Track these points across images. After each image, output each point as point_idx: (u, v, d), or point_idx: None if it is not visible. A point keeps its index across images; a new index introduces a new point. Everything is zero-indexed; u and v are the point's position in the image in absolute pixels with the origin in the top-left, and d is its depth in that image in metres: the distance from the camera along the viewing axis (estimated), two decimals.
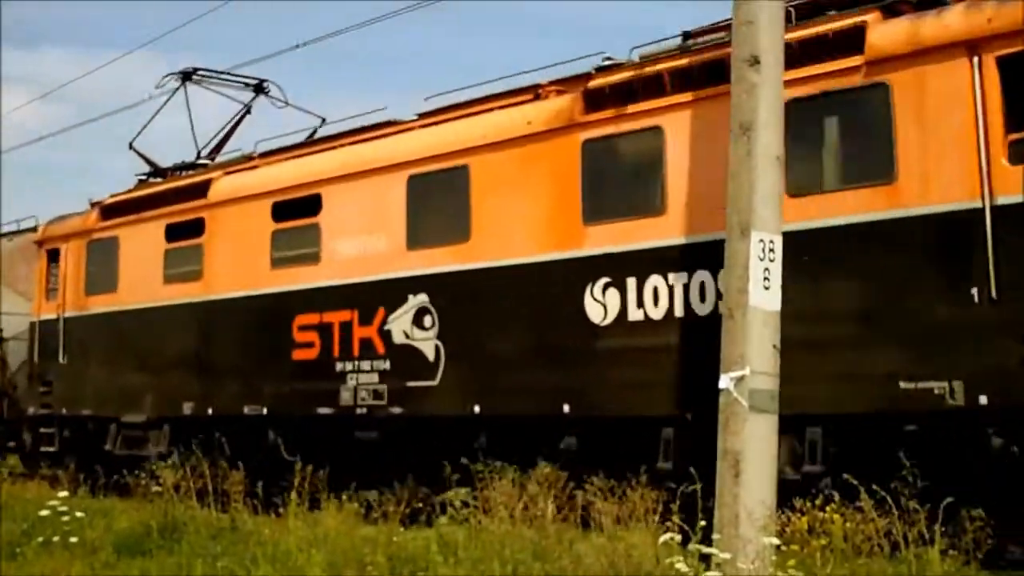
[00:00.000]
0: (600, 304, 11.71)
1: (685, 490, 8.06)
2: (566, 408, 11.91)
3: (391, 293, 13.77)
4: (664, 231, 11.26)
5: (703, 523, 7.48)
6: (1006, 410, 9.00)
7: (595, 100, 12.02)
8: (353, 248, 14.41)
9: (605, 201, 11.86)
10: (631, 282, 11.44)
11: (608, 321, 11.63)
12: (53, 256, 19.91)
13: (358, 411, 14.11)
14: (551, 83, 12.95)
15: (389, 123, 14.87)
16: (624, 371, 11.46)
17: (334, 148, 15.26)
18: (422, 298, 13.46)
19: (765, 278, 8.33)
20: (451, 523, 9.76)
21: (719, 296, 10.60)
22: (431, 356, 13.29)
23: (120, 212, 18.50)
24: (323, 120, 18.48)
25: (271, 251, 15.60)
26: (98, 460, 17.93)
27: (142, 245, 17.82)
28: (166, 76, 19.11)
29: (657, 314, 11.23)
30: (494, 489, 10.18)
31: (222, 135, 19.06)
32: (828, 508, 8.09)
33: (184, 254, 17.13)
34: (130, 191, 19.00)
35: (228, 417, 15.93)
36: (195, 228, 16.92)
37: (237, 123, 19.12)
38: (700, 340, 10.45)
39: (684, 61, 11.40)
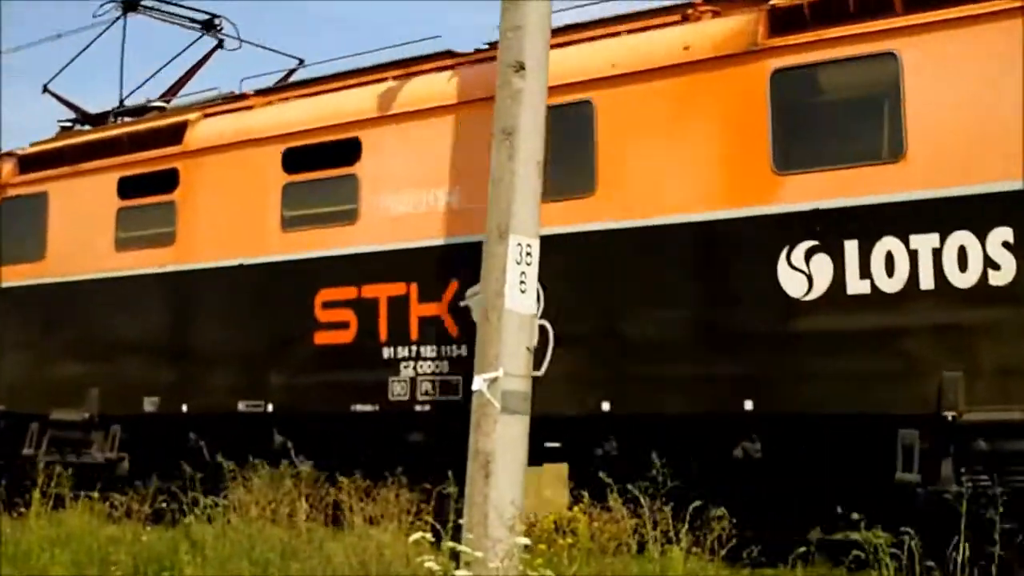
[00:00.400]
0: (802, 274, 9.27)
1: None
2: (748, 404, 9.41)
3: (471, 261, 11.00)
4: (904, 181, 8.91)
5: (456, 522, 8.17)
6: None
7: (789, 20, 9.55)
8: (409, 204, 11.49)
9: (808, 146, 9.43)
10: (850, 246, 9.04)
11: (814, 295, 9.20)
12: None
13: (417, 408, 11.22)
14: (704, 2, 10.39)
15: (450, 53, 12.04)
16: (841, 358, 9.04)
17: (379, 81, 12.27)
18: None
19: (522, 281, 8.49)
20: (199, 522, 9.50)
21: (988, 264, 8.42)
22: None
23: (48, 163, 14.87)
24: (301, 61, 15.44)
25: (282, 209, 12.50)
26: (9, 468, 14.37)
27: (83, 203, 14.30)
28: (104, 3, 15.62)
29: (893, 286, 8.87)
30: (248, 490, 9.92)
31: (177, 74, 15.74)
32: (575, 508, 8.60)
33: (147, 214, 13.78)
34: (59, 138, 15.41)
35: (212, 416, 12.75)
36: (164, 182, 13.57)
37: (205, 59, 15.84)
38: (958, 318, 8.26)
39: None
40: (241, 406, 12.48)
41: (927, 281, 8.68)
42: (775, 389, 9.29)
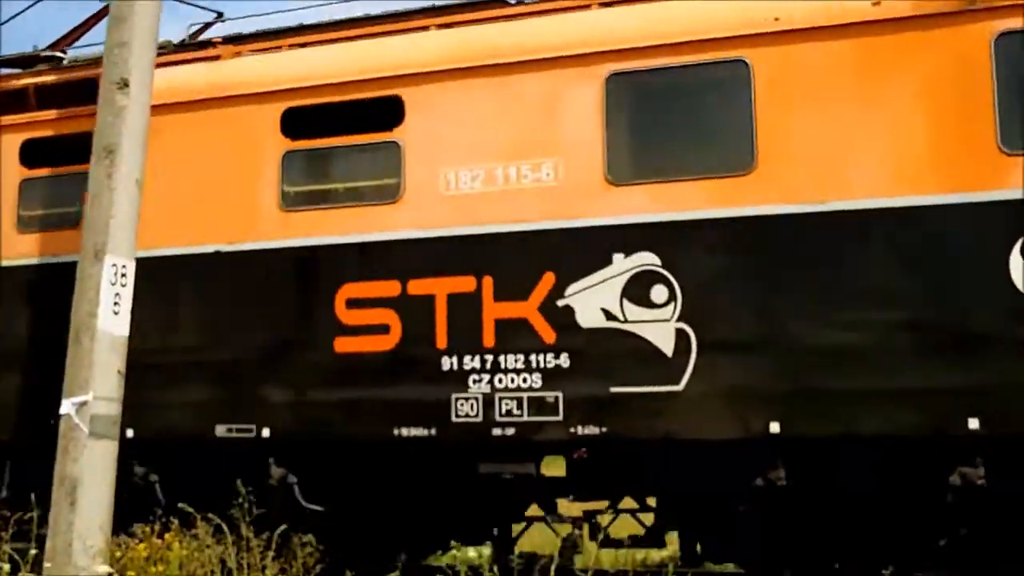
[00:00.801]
0: None
1: None
2: (973, 424, 7.85)
3: (575, 250, 8.89)
4: None
5: (35, 551, 8.14)
6: None
7: None
8: (478, 180, 9.23)
9: None
10: None
11: None
12: None
13: (495, 431, 8.94)
14: None
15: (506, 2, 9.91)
16: None
17: (418, 28, 9.92)
18: (643, 259, 8.74)
19: (115, 303, 8.23)
20: None
21: None
22: (667, 348, 8.60)
23: None
24: (219, 15, 12.68)
25: (281, 184, 9.89)
26: None
27: None
28: None
29: None
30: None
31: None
32: (166, 536, 8.67)
33: (72, 186, 10.71)
34: None
35: (169, 442, 9.89)
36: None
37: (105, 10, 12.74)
38: None
39: None
40: (220, 430, 9.71)
41: None
42: (1009, 404, 7.82)
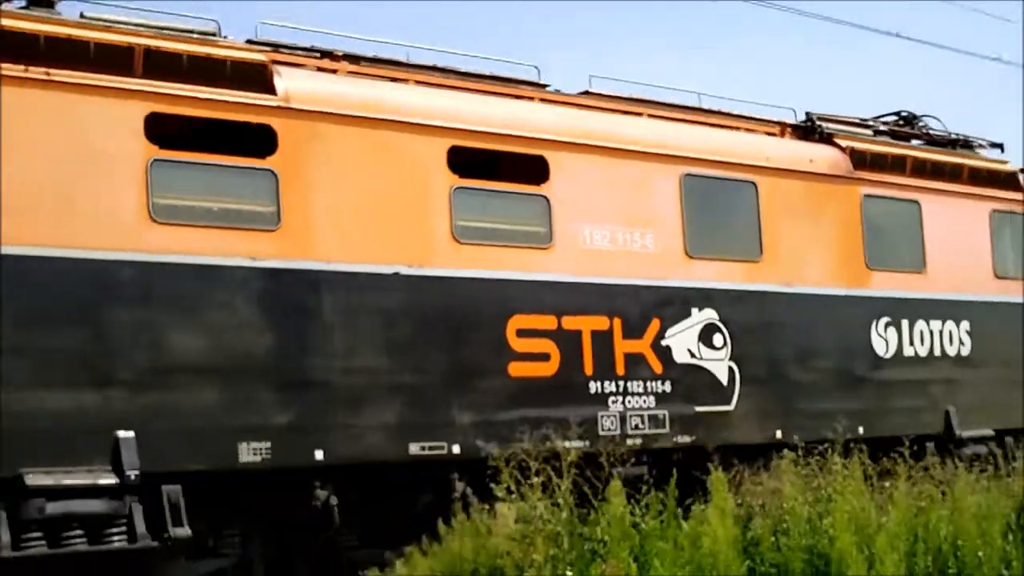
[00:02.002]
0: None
1: None
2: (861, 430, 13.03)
3: (670, 302, 11.69)
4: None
5: None
6: None
7: (864, 161, 13.63)
8: (605, 239, 11.35)
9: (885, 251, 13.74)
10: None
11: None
12: None
13: (628, 442, 11.22)
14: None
15: (654, 102, 12.19)
16: None
17: (563, 104, 11.17)
18: (708, 314, 11.99)
19: None
20: None
21: None
22: (723, 378, 12.02)
23: None
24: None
25: (452, 215, 10.42)
26: None
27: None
28: None
29: None
30: None
31: None
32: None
33: (211, 177, 9.29)
34: None
35: (358, 465, 9.71)
36: (245, 139, 9.47)
37: None
38: None
39: None
40: (414, 449, 10.00)
41: None
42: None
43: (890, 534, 8.88)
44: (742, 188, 12.63)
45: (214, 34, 10.09)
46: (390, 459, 9.98)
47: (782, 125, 13.82)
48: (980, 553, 9.12)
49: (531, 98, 11.68)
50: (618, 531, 8.49)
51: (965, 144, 15.68)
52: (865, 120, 14.81)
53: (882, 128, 14.85)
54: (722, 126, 13.07)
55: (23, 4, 9.44)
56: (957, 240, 14.55)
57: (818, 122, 13.94)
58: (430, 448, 10.18)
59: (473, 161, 10.79)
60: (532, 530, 8.53)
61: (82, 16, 9.58)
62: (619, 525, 8.53)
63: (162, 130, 9.28)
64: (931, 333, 14.14)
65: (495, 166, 11.00)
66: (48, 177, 8.78)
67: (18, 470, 8.27)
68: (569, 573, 8.19)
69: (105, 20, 9.56)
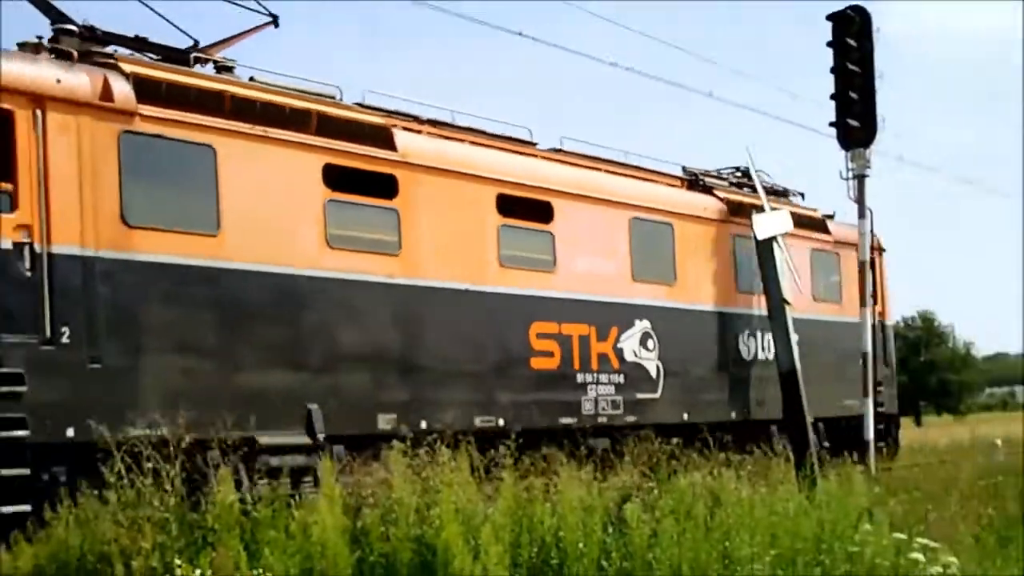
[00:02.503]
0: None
1: None
2: (733, 415, 17.36)
3: (624, 315, 15.56)
4: None
5: None
6: None
7: None
8: (586, 265, 15.08)
9: None
10: None
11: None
12: None
13: (599, 420, 14.99)
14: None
15: (613, 161, 16.49)
16: None
17: (564, 162, 14.76)
18: (645, 325, 15.93)
19: None
20: None
21: None
22: (654, 373, 16.01)
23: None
24: (196, 43, 13.51)
25: (499, 247, 13.83)
26: None
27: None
28: None
29: None
30: None
31: None
32: None
33: (361, 214, 12.35)
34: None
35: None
36: (379, 185, 12.54)
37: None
38: None
39: None
40: (477, 422, 13.35)
41: None
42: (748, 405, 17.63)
43: (496, 526, 8.97)
44: (664, 229, 16.68)
45: (333, 97, 13.13)
46: (463, 429, 13.32)
47: (681, 179, 17.99)
48: (581, 545, 9.24)
49: (535, 155, 15.30)
50: (229, 519, 8.39)
51: (784, 193, 20.40)
52: (721, 173, 19.26)
53: (732, 180, 19.33)
54: (651, 180, 17.12)
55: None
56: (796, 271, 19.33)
57: (700, 177, 18.23)
58: (484, 422, 13.60)
59: (516, 207, 14.28)
60: (141, 516, 8.29)
61: (251, 80, 12.39)
62: (228, 513, 8.41)
63: (330, 177, 12.27)
64: (770, 342, 18.73)
65: (521, 208, 14.50)
66: (254, 209, 11.63)
67: (252, 433, 11.14)
68: (178, 561, 7.99)
69: (268, 84, 12.42)
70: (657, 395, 16.22)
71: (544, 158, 15.48)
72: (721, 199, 18.11)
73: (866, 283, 19.18)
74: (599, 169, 16.29)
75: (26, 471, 9.54)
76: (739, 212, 18.24)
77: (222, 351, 11.23)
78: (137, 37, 11.66)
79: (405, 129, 13.48)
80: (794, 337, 17.51)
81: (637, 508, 9.71)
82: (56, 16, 11.38)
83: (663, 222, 16.73)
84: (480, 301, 13.78)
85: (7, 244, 9.68)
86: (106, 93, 10.49)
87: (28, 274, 9.77)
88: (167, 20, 12.21)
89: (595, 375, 15.20)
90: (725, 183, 19.08)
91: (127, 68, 10.88)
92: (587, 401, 15.06)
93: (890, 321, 23.60)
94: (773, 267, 17.35)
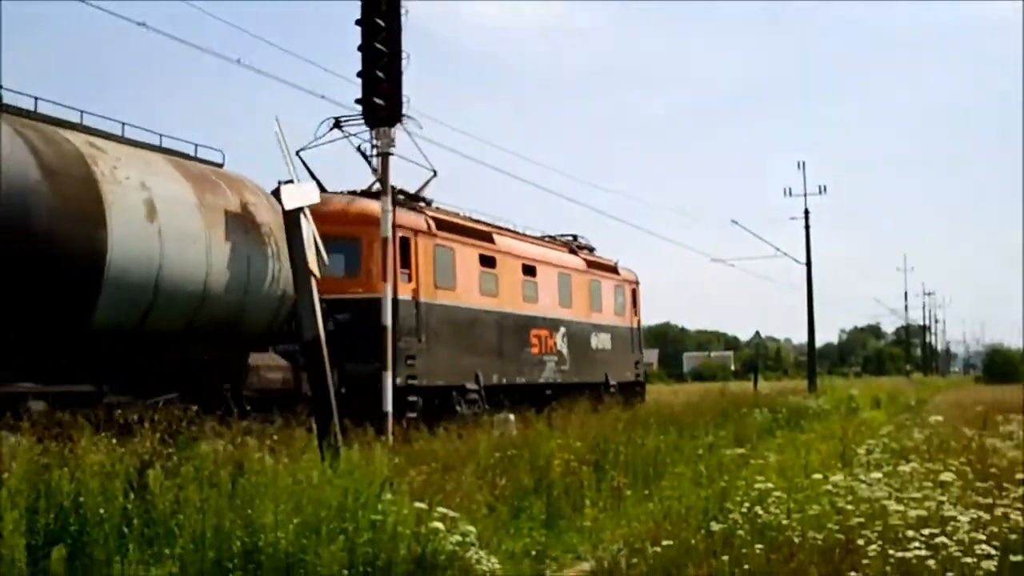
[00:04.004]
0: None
1: None
2: (590, 378, 31.61)
3: (555, 325, 29.51)
4: None
5: None
6: None
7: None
8: (546, 299, 28.96)
9: None
10: None
11: None
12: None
13: (550, 380, 28.94)
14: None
15: (550, 239, 30.48)
16: None
17: (533, 242, 28.99)
18: (563, 329, 29.91)
19: None
20: None
21: None
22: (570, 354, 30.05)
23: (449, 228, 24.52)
24: (434, 172, 25.01)
25: (523, 290, 27.55)
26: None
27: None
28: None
29: None
30: None
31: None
32: None
33: (487, 277, 25.86)
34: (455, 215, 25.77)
35: (509, 385, 26.39)
36: (491, 262, 26.13)
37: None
38: None
39: None
40: (518, 379, 26.88)
41: None
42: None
43: (11, 491, 8.82)
44: (568, 277, 30.83)
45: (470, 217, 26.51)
46: (511, 383, 26.77)
47: (567, 246, 32.28)
48: (102, 511, 9.11)
49: (524, 239, 29.05)
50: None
51: (591, 249, 35.14)
52: (577, 238, 33.70)
53: (582, 244, 33.80)
54: (559, 249, 31.35)
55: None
56: (607, 298, 33.91)
57: (573, 245, 32.57)
58: (521, 380, 27.16)
59: (525, 269, 27.88)
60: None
61: (438, 209, 25.35)
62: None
63: (479, 259, 25.49)
64: (601, 339, 33.22)
65: (527, 270, 28.13)
66: (464, 276, 24.71)
67: (463, 382, 24.25)
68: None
69: (452, 212, 25.47)
70: (568, 367, 30.27)
71: (529, 241, 29.35)
72: (583, 258, 32.60)
73: (387, 258, 19.40)
74: (543, 245, 30.30)
75: (418, 398, 22.19)
76: (592, 266, 32.77)
77: (455, 345, 24.12)
78: (412, 194, 24.33)
79: (495, 231, 26.97)
80: (319, 307, 16.42)
81: (159, 474, 9.77)
82: (374, 171, 23.71)
83: (567, 273, 30.85)
84: (516, 318, 27.30)
85: (409, 297, 22.25)
86: (428, 227, 23.28)
87: (414, 310, 22.40)
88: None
89: (548, 356, 29.09)
90: (586, 249, 33.78)
91: (429, 213, 23.82)
92: (547, 370, 28.97)
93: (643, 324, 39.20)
94: (300, 239, 16.04)
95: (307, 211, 16.53)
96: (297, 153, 22.68)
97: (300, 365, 17.87)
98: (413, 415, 20.85)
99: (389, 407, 18.61)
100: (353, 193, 23.02)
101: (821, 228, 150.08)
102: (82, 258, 13.96)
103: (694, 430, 21.64)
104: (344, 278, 20.96)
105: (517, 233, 29.25)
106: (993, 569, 7.91)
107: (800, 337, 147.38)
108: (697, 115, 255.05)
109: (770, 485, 10.78)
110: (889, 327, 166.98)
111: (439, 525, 10.07)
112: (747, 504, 10.43)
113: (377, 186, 21.34)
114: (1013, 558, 8.09)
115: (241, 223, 16.80)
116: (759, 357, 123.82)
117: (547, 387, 28.54)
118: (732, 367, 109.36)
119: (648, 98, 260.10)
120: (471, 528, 10.44)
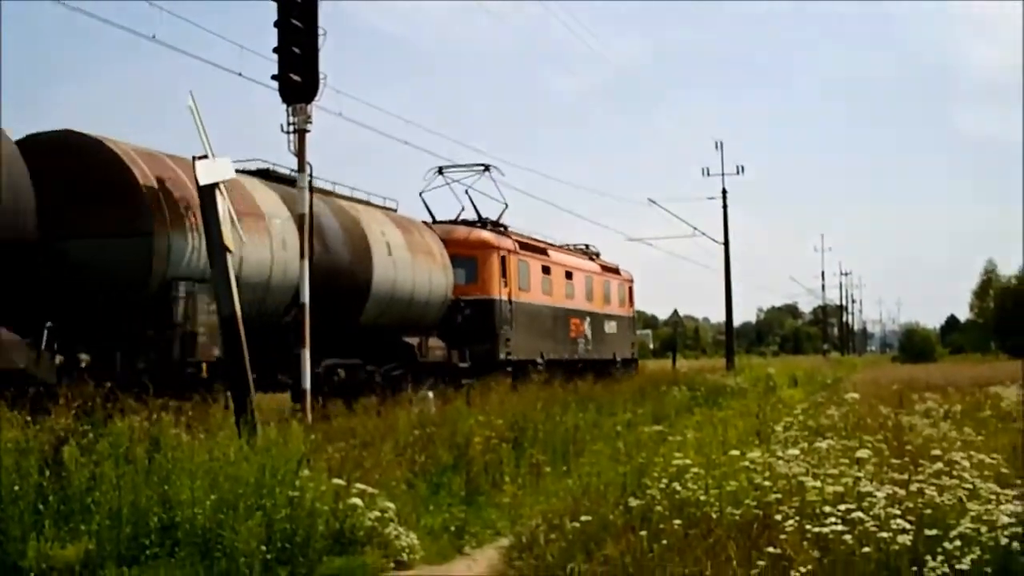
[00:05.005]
0: None
1: None
2: (601, 356, 33.32)
3: (583, 316, 37.64)
4: None
5: None
6: None
7: None
8: (578, 296, 37.86)
9: None
10: None
11: None
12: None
13: (584, 357, 37.16)
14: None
15: (578, 248, 39.48)
16: None
17: (567, 251, 39.23)
18: (588, 319, 37.47)
19: None
20: None
21: None
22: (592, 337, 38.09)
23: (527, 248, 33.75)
24: (506, 205, 34.73)
25: (565, 290, 36.44)
26: None
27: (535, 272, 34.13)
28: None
29: None
30: None
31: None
32: None
33: (545, 280, 34.56)
34: (523, 236, 34.18)
35: (558, 360, 34.36)
36: (547, 270, 34.89)
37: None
38: None
39: None
40: (565, 356, 35.20)
41: None
42: None
43: None
44: (591, 278, 39.80)
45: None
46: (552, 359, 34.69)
47: (587, 254, 41.30)
48: (16, 487, 9.08)
49: (561, 250, 38.42)
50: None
51: (597, 253, 43.36)
52: (577, 246, 41.73)
53: (594, 251, 42.47)
54: (585, 256, 40.77)
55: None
56: (614, 293, 42.48)
57: (590, 253, 41.41)
58: (563, 357, 35.01)
59: (566, 274, 37.03)
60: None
61: (513, 231, 33.68)
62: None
63: (541, 269, 34.37)
64: (611, 326, 40.76)
65: (567, 275, 37.04)
66: (534, 282, 33.54)
67: (535, 358, 32.45)
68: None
69: (518, 232, 34.18)
70: (591, 347, 38.73)
71: (566, 252, 38.50)
72: (599, 263, 41.67)
73: (304, 234, 19.03)
74: (573, 254, 39.34)
75: (511, 368, 30.35)
76: (604, 269, 41.81)
77: (530, 331, 32.52)
78: (496, 221, 33.42)
79: (549, 247, 35.91)
80: (234, 283, 16.07)
81: (75, 451, 9.73)
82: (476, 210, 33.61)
83: (589, 275, 39.77)
84: (562, 311, 35.96)
85: (505, 298, 30.92)
86: (515, 248, 32.21)
87: (508, 307, 31.08)
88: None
89: (580, 339, 37.58)
90: (597, 255, 42.31)
91: (513, 235, 32.88)
92: (579, 349, 37.22)
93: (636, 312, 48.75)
94: (215, 213, 15.97)
95: (222, 187, 16.29)
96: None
97: (451, 345, 27.78)
98: (508, 378, 27.69)
99: (307, 383, 18.42)
100: (471, 224, 32.62)
101: (739, 208, 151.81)
102: (363, 282, 23.08)
103: (612, 408, 21.86)
104: (467, 285, 29.51)
105: (559, 247, 38.20)
106: (909, 543, 7.96)
107: (718, 316, 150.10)
108: (612, 96, 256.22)
109: (688, 461, 10.77)
110: (806, 307, 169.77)
111: (357, 501, 10.16)
112: (665, 480, 10.45)
113: (468, 214, 33.97)
114: (928, 532, 8.13)
115: (423, 251, 26.39)
116: (678, 336, 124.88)
117: (578, 362, 36.60)
118: (651, 346, 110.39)
119: (562, 77, 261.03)
120: (390, 504, 10.54)
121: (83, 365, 15.50)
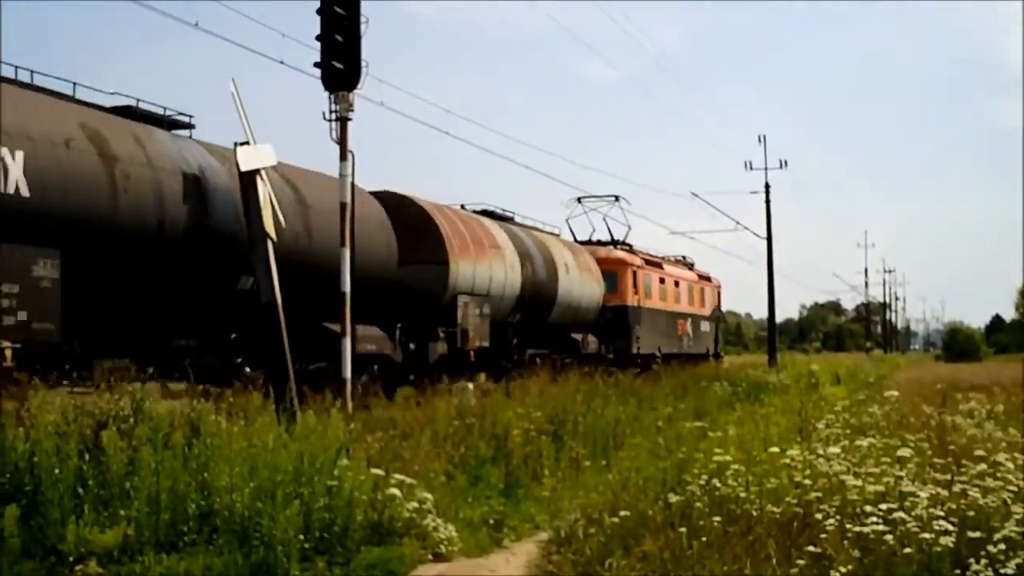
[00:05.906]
0: None
1: None
2: (699, 350, 36.06)
3: (686, 316, 45.31)
4: None
5: None
6: None
7: None
8: (682, 300, 45.60)
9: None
10: None
11: None
12: None
13: (687, 351, 44.72)
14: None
15: (679, 260, 46.71)
16: None
17: (671, 262, 46.55)
18: (689, 319, 43.98)
19: None
20: None
21: None
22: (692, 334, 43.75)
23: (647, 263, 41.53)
24: (629, 227, 42.81)
25: (674, 296, 44.09)
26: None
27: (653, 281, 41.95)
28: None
29: None
30: None
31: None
32: None
33: (660, 288, 42.22)
34: (644, 253, 41.84)
35: (669, 353, 42.00)
36: (663, 280, 42.81)
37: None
38: None
39: None
40: (674, 350, 42.69)
41: None
42: None
43: None
44: (691, 286, 47.60)
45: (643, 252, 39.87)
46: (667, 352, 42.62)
47: (685, 264, 48.53)
48: (57, 471, 9.10)
49: (669, 262, 46.48)
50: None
51: (693, 264, 50.45)
52: (677, 257, 48.77)
53: (689, 261, 49.48)
54: (683, 266, 48.06)
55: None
56: (707, 298, 50.02)
57: (687, 263, 48.45)
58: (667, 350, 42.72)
59: (672, 282, 44.47)
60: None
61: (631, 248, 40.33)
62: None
63: (659, 279, 42.42)
64: (704, 325, 48.62)
65: (673, 283, 44.64)
66: (652, 289, 41.21)
67: (653, 351, 39.90)
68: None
69: (641, 249, 41.68)
70: (692, 343, 46.22)
71: (673, 264, 45.80)
72: (696, 273, 48.89)
73: (346, 223, 18.54)
74: (678, 266, 46.51)
75: (639, 360, 38.31)
76: (700, 277, 49.02)
77: (651, 330, 40.48)
78: (623, 241, 41.61)
79: (663, 262, 44.01)
80: (275, 270, 16.41)
81: (114, 435, 9.68)
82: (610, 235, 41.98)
83: (689, 283, 47.11)
84: (673, 314, 43.95)
85: (636, 304, 39.09)
86: (641, 264, 40.33)
87: (638, 312, 39.08)
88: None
89: (684, 336, 45.03)
90: (692, 265, 49.03)
91: (639, 253, 40.89)
92: (684, 345, 44.58)
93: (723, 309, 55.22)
94: (256, 200, 16.03)
95: (263, 173, 16.23)
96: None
97: (600, 340, 36.11)
98: (637, 369, 34.57)
99: (348, 373, 18.24)
100: (606, 244, 40.76)
101: (782, 203, 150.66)
102: (552, 293, 31.46)
103: (653, 402, 21.74)
104: (609, 294, 37.09)
105: (668, 260, 45.61)
106: (951, 545, 7.84)
107: (760, 312, 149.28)
108: (652, 84, 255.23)
109: (728, 458, 10.63)
110: (849, 304, 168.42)
111: (396, 492, 10.10)
112: (705, 476, 10.31)
113: (601, 236, 41.94)
114: (971, 534, 7.99)
115: (586, 268, 34.97)
116: (720, 332, 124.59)
117: (683, 355, 43.75)
118: None
119: (601, 67, 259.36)
120: (428, 495, 10.48)
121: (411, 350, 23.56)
